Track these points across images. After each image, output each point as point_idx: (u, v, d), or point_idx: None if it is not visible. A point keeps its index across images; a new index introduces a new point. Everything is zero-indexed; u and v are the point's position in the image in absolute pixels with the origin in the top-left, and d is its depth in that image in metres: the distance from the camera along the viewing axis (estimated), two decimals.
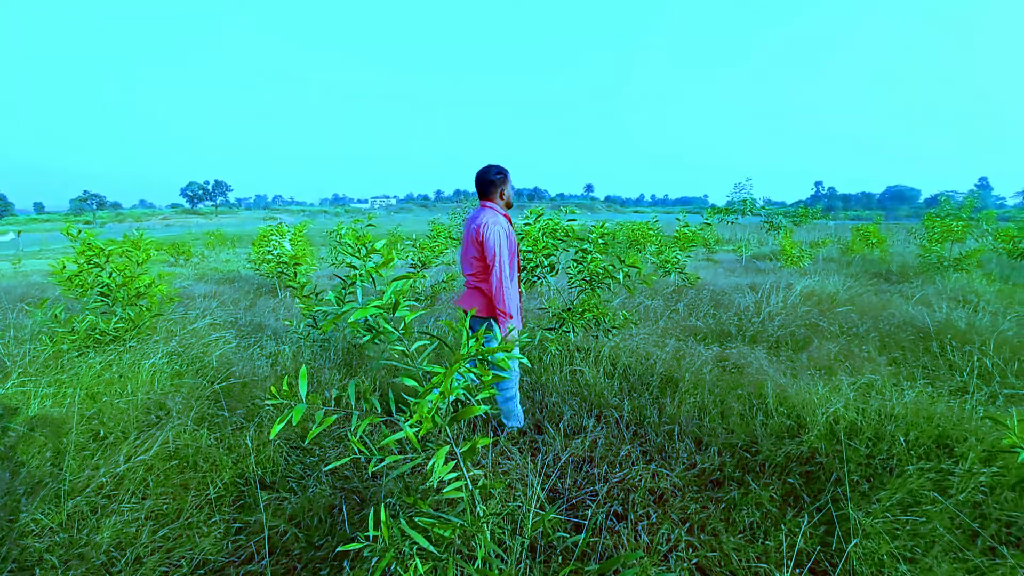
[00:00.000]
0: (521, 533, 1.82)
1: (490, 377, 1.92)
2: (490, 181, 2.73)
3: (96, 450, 2.68)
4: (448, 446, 1.69)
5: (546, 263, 4.04)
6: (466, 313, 2.80)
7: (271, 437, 1.43)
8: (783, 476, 2.30)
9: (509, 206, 2.82)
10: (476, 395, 1.79)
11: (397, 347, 1.82)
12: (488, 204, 2.74)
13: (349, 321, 1.76)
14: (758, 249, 15.33)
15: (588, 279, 3.92)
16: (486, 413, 2.98)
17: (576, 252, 4.10)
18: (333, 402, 1.63)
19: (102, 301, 4.75)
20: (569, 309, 3.85)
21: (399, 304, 1.79)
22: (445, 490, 1.63)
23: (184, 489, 2.34)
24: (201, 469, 2.44)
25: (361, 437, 2.48)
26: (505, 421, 2.88)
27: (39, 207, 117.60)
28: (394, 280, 1.78)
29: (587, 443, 2.63)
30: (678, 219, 8.05)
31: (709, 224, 7.90)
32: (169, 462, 2.50)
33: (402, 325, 1.84)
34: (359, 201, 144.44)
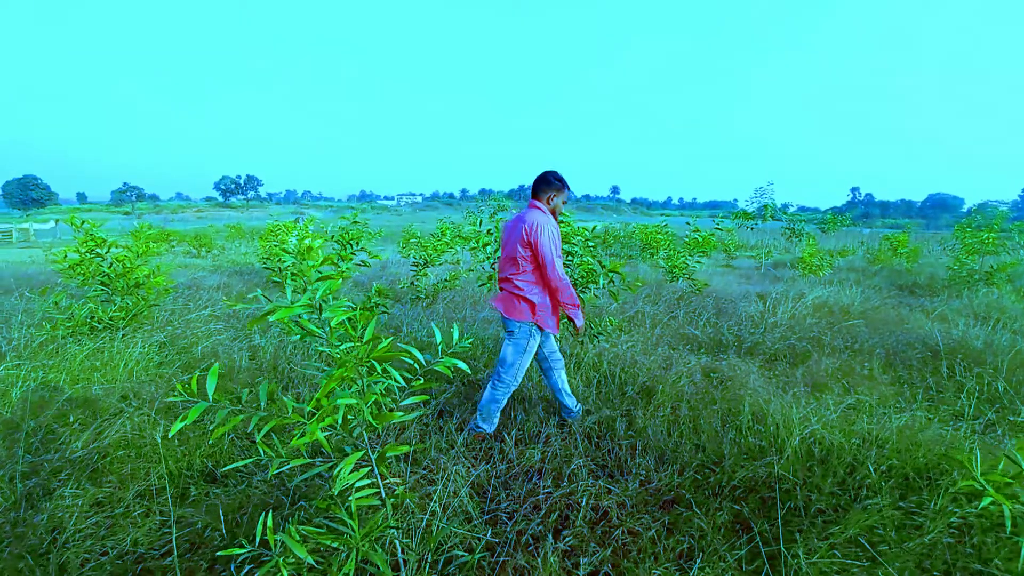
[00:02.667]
0: (424, 545, 1.74)
1: (421, 383, 1.86)
2: (546, 183, 2.81)
3: (62, 434, 2.72)
4: (362, 452, 1.63)
5: None
6: (504, 315, 2.80)
7: (170, 435, 1.39)
8: (740, 500, 2.16)
9: (553, 213, 2.85)
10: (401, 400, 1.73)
11: (321, 348, 1.77)
12: (536, 204, 2.80)
13: (271, 320, 1.72)
14: (782, 256, 14.87)
15: (572, 283, 3.80)
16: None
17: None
18: (243, 402, 1.59)
19: (102, 290, 4.88)
20: None
21: (327, 304, 1.73)
22: (351, 497, 1.57)
23: (132, 478, 2.34)
24: (150, 459, 2.45)
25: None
26: (479, 422, 2.81)
27: (82, 197, 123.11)
28: (319, 280, 1.73)
29: (540, 454, 2.53)
30: (688, 223, 7.82)
31: (721, 229, 7.63)
32: (124, 450, 2.52)
33: (328, 326, 1.78)
34: (386, 198, 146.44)
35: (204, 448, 2.52)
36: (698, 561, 1.77)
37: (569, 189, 2.91)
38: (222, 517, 2.06)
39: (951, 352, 4.27)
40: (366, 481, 1.63)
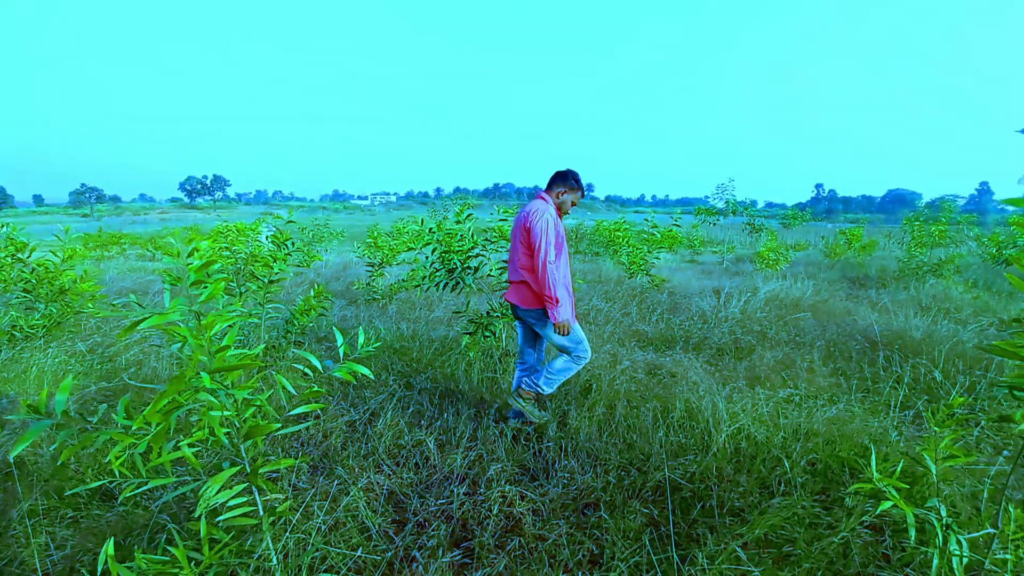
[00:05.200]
0: (296, 561, 1.63)
1: (322, 389, 1.75)
2: (562, 179, 2.83)
3: None
4: (237, 468, 1.51)
5: (472, 264, 3.86)
6: (513, 306, 2.81)
7: (11, 457, 1.25)
8: (660, 501, 2.11)
9: (559, 209, 2.85)
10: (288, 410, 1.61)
11: (203, 357, 1.64)
12: (542, 195, 2.81)
13: (139, 328, 1.59)
14: (746, 251, 15.13)
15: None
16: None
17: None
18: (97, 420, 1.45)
19: (25, 297, 4.59)
20: (488, 312, 3.67)
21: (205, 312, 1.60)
22: (221, 517, 1.45)
23: (25, 496, 2.16)
24: (42, 476, 2.27)
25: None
26: (541, 383, 2.80)
27: (39, 199, 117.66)
28: (193, 283, 1.60)
29: (463, 458, 2.44)
30: (646, 219, 7.84)
31: (677, 225, 7.68)
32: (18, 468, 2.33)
33: (207, 334, 1.65)
34: (359, 197, 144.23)
35: (101, 465, 2.35)
36: (598, 569, 1.71)
37: (583, 194, 2.91)
38: (113, 539, 1.91)
39: (889, 343, 4.35)
40: (243, 499, 1.51)
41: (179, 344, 1.80)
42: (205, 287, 1.54)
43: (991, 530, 1.62)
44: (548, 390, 2.82)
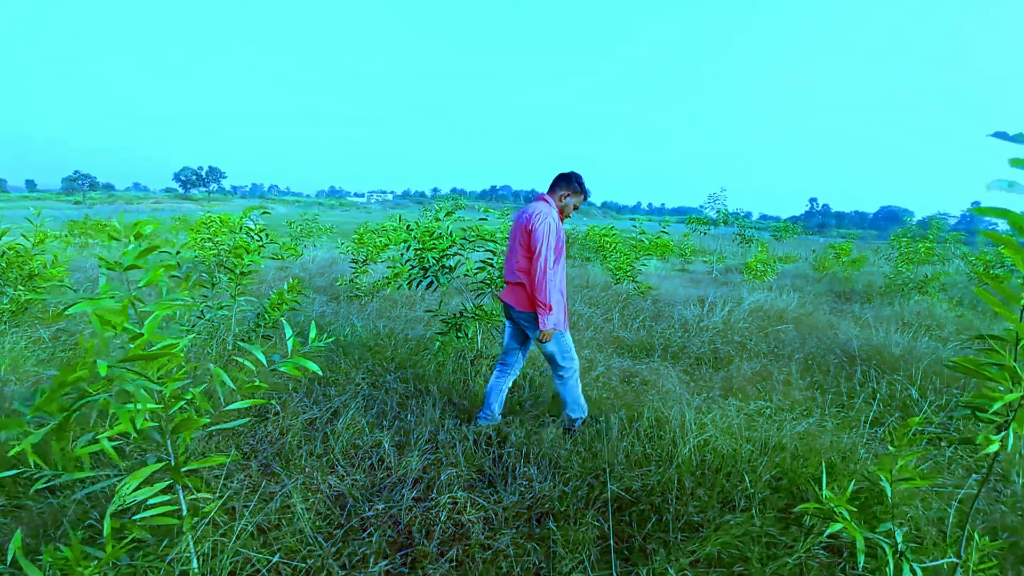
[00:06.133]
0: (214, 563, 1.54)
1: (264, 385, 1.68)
2: (565, 181, 2.78)
3: None
4: (160, 465, 1.43)
5: (450, 263, 3.79)
6: (508, 306, 2.73)
7: None
8: (617, 513, 2.05)
9: (561, 212, 2.80)
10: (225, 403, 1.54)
11: (130, 347, 1.55)
12: (545, 198, 2.76)
13: (66, 314, 1.51)
14: (736, 261, 15.14)
15: (488, 282, 3.67)
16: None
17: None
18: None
19: None
20: (462, 313, 3.60)
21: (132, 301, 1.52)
22: (138, 516, 1.36)
23: None
24: None
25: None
26: (569, 412, 2.82)
27: (31, 185, 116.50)
28: (129, 267, 1.52)
29: (420, 461, 2.37)
30: (634, 225, 7.81)
31: (666, 232, 7.65)
32: None
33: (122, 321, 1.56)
34: (356, 195, 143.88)
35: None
36: None
37: (587, 199, 2.87)
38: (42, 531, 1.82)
39: (867, 358, 4.32)
40: (164, 497, 1.43)
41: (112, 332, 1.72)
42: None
43: (953, 559, 1.56)
44: (580, 413, 2.82)
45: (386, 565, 1.69)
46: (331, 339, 1.95)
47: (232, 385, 1.63)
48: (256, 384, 1.67)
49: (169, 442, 1.46)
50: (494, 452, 2.53)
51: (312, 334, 1.94)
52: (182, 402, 1.46)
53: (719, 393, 3.52)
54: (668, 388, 3.48)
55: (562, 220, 2.82)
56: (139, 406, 1.33)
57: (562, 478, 2.30)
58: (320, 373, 1.76)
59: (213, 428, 1.73)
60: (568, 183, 2.78)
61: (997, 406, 1.26)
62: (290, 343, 1.82)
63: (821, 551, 1.78)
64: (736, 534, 1.77)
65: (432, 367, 3.57)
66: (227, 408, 1.58)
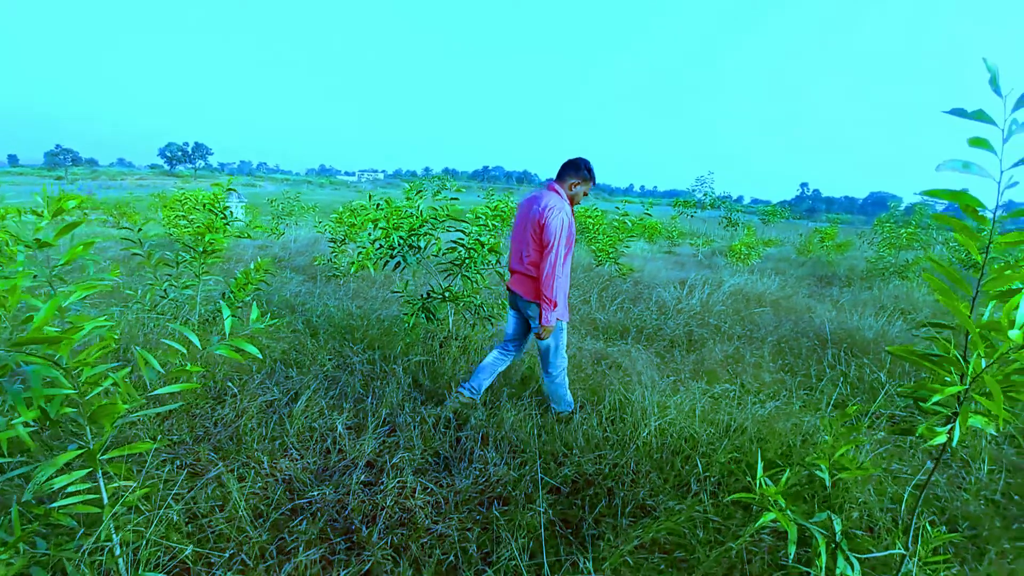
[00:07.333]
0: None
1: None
2: (575, 169, 2.68)
3: None
4: (79, 451, 1.37)
5: (420, 243, 3.71)
6: (515, 295, 2.68)
7: None
8: (571, 497, 2.03)
9: (571, 201, 2.72)
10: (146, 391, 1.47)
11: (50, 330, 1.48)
12: (555, 187, 2.67)
13: None
14: (723, 244, 15.15)
15: (457, 263, 3.61)
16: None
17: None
18: None
19: None
20: (430, 294, 3.54)
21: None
22: (57, 503, 1.31)
23: None
24: None
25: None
26: (555, 406, 2.80)
27: (13, 159, 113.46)
28: (43, 244, 1.44)
29: (377, 443, 2.33)
30: (617, 207, 7.74)
31: (649, 215, 7.60)
32: None
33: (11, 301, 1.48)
34: (346, 173, 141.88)
35: None
36: (467, 571, 1.61)
37: (594, 184, 2.77)
38: None
39: (839, 341, 4.33)
40: (85, 485, 1.37)
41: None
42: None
43: (901, 550, 1.53)
44: (566, 408, 2.79)
45: (324, 550, 1.66)
46: (276, 320, 1.88)
47: (160, 368, 1.57)
48: (186, 368, 1.60)
49: (88, 428, 1.39)
50: (451, 435, 2.50)
51: (254, 315, 1.87)
52: (101, 387, 1.39)
53: (689, 376, 3.51)
54: (638, 370, 3.46)
55: (572, 209, 2.75)
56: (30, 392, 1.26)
57: (519, 461, 2.28)
58: (259, 356, 1.69)
59: (146, 413, 1.67)
60: (577, 171, 2.68)
61: (937, 398, 1.23)
62: (227, 324, 1.75)
63: (767, 536, 1.77)
64: (681, 520, 1.75)
65: (398, 348, 3.52)
66: (155, 392, 1.52)
